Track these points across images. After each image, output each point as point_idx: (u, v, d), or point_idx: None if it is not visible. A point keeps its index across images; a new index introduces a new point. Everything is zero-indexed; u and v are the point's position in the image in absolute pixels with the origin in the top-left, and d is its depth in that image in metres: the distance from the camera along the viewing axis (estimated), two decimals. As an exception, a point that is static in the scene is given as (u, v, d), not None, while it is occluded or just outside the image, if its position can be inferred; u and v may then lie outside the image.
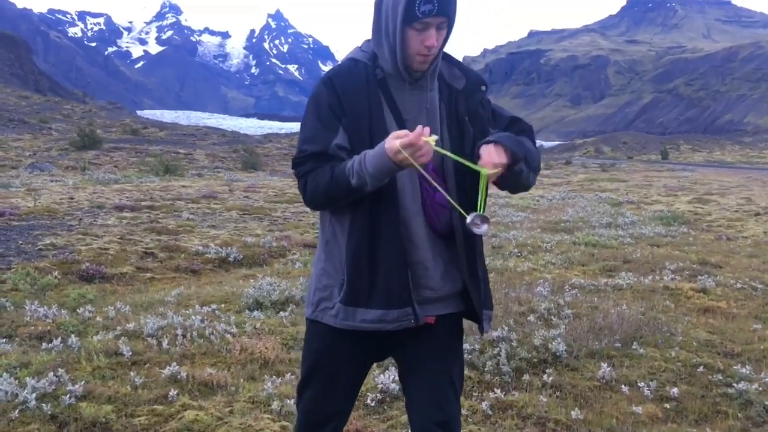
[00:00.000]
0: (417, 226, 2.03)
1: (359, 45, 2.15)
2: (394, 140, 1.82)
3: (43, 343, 4.59)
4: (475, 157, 1.97)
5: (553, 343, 4.66)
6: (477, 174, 1.95)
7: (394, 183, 1.98)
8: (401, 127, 1.98)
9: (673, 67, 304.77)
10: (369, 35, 2.11)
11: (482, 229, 1.95)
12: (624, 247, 10.41)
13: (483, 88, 2.11)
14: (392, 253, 1.98)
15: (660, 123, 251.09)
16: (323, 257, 2.11)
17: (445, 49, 2.07)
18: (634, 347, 4.84)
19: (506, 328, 4.92)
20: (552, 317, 5.58)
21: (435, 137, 1.87)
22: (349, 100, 1.98)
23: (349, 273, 2.01)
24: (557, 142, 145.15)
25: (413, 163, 1.83)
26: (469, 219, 1.92)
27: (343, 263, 2.03)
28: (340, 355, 2.13)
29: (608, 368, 4.33)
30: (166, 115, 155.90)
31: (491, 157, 1.91)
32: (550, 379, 4.18)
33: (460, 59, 2.13)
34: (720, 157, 76.38)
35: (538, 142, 2.33)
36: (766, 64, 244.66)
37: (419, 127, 1.82)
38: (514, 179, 2.02)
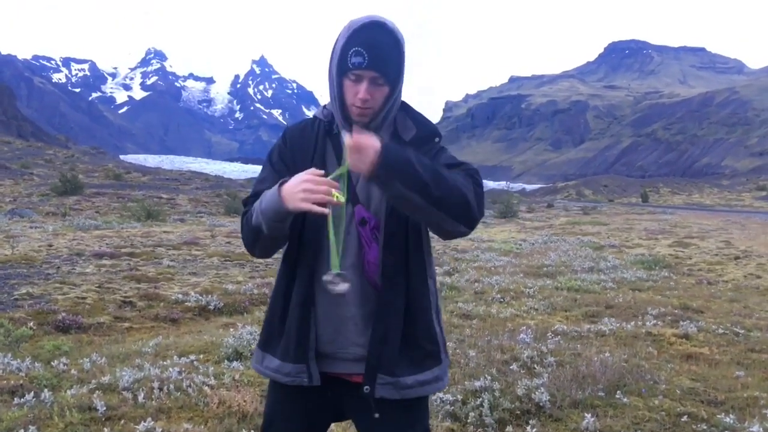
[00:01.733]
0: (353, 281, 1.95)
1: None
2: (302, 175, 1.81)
3: (15, 398, 4.47)
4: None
5: (537, 392, 4.61)
6: (417, 235, 1.99)
7: (312, 237, 1.97)
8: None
9: (651, 112, 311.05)
10: None
11: (340, 287, 1.82)
12: (606, 291, 10.43)
13: (436, 140, 2.07)
14: (298, 306, 1.99)
15: (639, 166, 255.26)
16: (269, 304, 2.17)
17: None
18: (617, 396, 4.79)
19: (489, 377, 4.87)
20: (535, 365, 5.53)
21: (342, 200, 1.79)
22: (297, 153, 2.05)
23: (267, 317, 2.10)
24: (539, 185, 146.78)
25: (308, 205, 1.76)
26: (326, 276, 1.85)
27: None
28: (294, 413, 2.09)
29: (592, 418, 4.27)
30: (150, 160, 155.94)
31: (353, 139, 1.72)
32: (534, 430, 4.12)
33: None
34: (699, 200, 77.57)
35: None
36: (742, 108, 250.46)
37: (319, 172, 1.80)
38: (398, 199, 1.80)
